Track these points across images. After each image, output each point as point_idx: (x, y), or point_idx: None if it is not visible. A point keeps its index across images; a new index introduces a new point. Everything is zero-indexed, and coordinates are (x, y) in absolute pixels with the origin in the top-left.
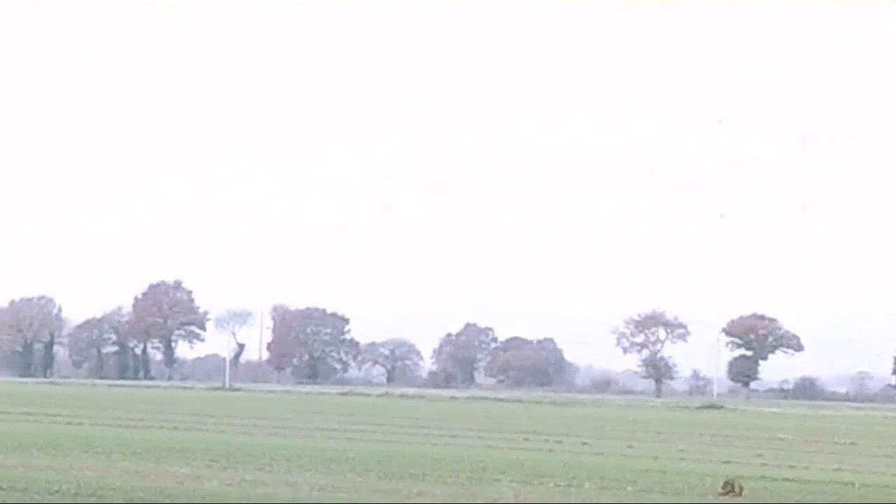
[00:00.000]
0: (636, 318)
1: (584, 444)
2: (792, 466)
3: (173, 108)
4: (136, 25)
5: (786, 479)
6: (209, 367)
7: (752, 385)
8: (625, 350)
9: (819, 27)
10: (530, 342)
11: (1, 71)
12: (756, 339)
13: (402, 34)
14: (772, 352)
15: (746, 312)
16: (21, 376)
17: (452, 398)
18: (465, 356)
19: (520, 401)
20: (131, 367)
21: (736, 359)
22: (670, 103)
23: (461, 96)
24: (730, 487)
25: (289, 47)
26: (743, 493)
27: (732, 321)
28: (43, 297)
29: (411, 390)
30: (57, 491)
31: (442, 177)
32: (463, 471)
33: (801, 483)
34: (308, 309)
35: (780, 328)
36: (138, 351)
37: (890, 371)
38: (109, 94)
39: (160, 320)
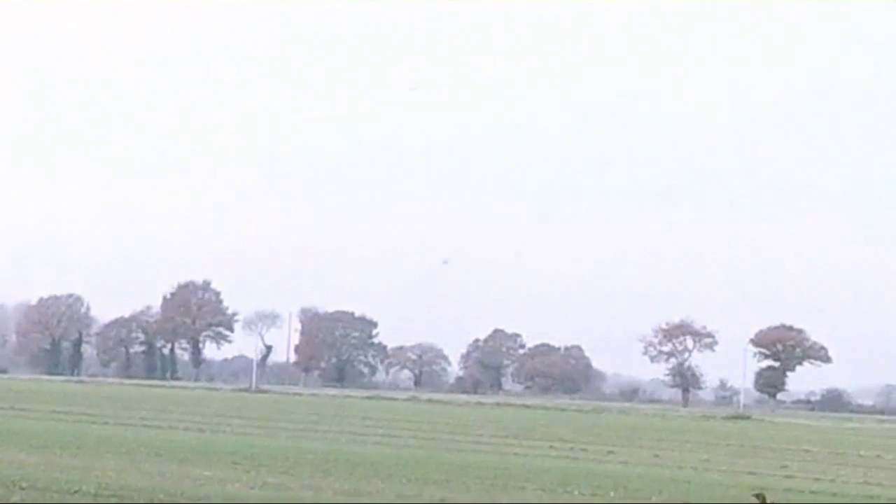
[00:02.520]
0: (664, 326)
1: (610, 452)
2: (818, 479)
3: (197, 107)
4: None
5: (812, 492)
6: (236, 369)
7: (779, 396)
8: (652, 359)
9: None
10: (558, 349)
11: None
12: (784, 350)
13: None
14: (799, 363)
15: (774, 323)
16: (48, 374)
17: (479, 404)
18: (492, 362)
19: (546, 408)
20: (158, 366)
21: (763, 369)
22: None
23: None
24: (761, 500)
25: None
26: None
27: (760, 331)
28: (71, 295)
29: (438, 395)
30: (77, 491)
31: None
32: (488, 477)
33: (826, 495)
34: (336, 312)
35: (807, 339)
36: (166, 351)
37: None
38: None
39: (188, 321)
